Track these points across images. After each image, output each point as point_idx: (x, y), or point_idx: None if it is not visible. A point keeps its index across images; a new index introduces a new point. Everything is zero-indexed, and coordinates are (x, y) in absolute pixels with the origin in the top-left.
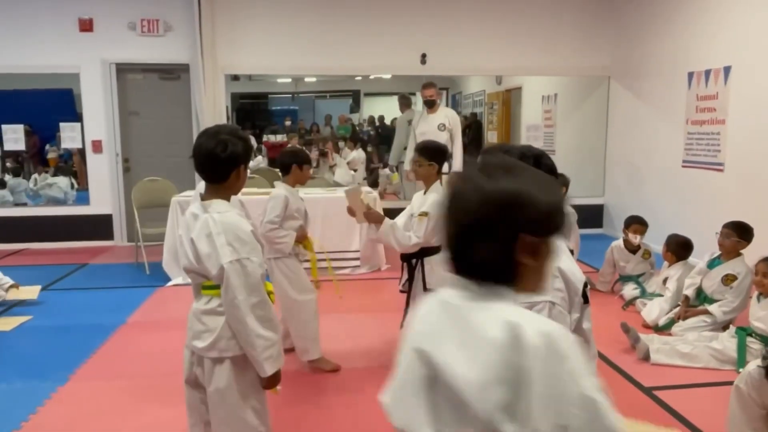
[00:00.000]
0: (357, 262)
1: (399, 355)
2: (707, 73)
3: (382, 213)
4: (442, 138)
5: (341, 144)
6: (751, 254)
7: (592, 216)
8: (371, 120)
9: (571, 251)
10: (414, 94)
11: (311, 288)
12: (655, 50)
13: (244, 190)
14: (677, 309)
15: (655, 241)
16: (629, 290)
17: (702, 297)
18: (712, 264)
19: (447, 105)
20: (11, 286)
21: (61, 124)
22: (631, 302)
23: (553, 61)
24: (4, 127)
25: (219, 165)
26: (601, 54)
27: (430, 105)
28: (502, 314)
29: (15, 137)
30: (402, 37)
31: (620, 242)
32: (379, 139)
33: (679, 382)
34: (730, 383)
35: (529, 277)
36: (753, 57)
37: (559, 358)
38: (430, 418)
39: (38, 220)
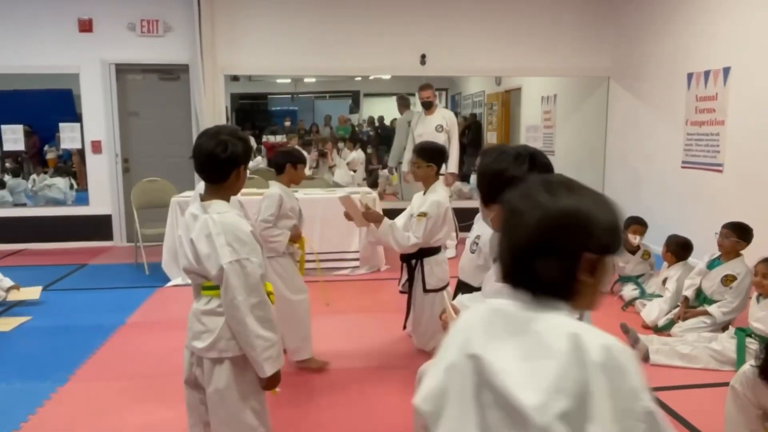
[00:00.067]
0: (356, 263)
1: (440, 362)
2: (706, 74)
3: (381, 213)
4: (439, 139)
5: (341, 145)
6: (751, 255)
7: None
8: (371, 121)
9: None
10: (413, 94)
11: (304, 288)
12: (654, 51)
13: (243, 190)
14: (677, 310)
15: (654, 241)
16: (629, 291)
17: (701, 298)
18: (711, 264)
19: (446, 106)
20: (11, 287)
21: (61, 125)
22: (630, 303)
23: (553, 61)
24: (3, 127)
25: (219, 165)
26: (601, 55)
27: (428, 106)
28: (563, 326)
29: (14, 137)
30: (402, 37)
31: None
32: (378, 140)
33: (678, 383)
34: None
35: (585, 294)
36: (752, 58)
37: (621, 371)
38: (478, 424)
39: (37, 220)
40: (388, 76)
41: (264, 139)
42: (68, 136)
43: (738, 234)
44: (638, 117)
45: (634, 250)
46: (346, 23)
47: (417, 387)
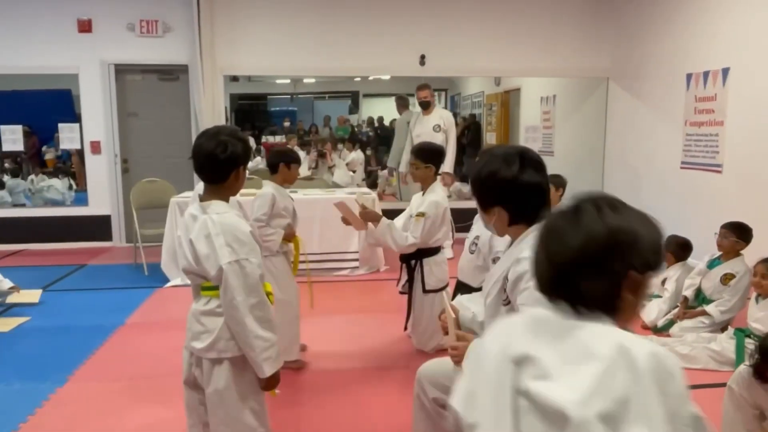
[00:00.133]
0: (356, 263)
1: (478, 365)
2: (706, 74)
3: (380, 212)
4: (437, 139)
5: (340, 145)
6: (751, 255)
7: None
8: (370, 121)
9: None
10: (412, 95)
11: (296, 288)
12: (654, 51)
13: (242, 190)
14: (676, 310)
15: None
16: None
17: (701, 298)
18: (711, 264)
19: (446, 106)
20: (11, 288)
21: (60, 125)
22: None
23: (553, 62)
24: (2, 127)
25: (218, 166)
26: (601, 55)
27: (425, 106)
28: (607, 333)
29: (14, 138)
30: (401, 37)
31: None
32: (378, 140)
33: None
34: None
35: (626, 311)
36: (752, 58)
37: (668, 377)
38: (514, 425)
39: (37, 220)
40: (387, 77)
41: (263, 139)
42: (67, 137)
43: (737, 234)
44: (637, 117)
45: None
46: (346, 23)
47: (416, 387)
